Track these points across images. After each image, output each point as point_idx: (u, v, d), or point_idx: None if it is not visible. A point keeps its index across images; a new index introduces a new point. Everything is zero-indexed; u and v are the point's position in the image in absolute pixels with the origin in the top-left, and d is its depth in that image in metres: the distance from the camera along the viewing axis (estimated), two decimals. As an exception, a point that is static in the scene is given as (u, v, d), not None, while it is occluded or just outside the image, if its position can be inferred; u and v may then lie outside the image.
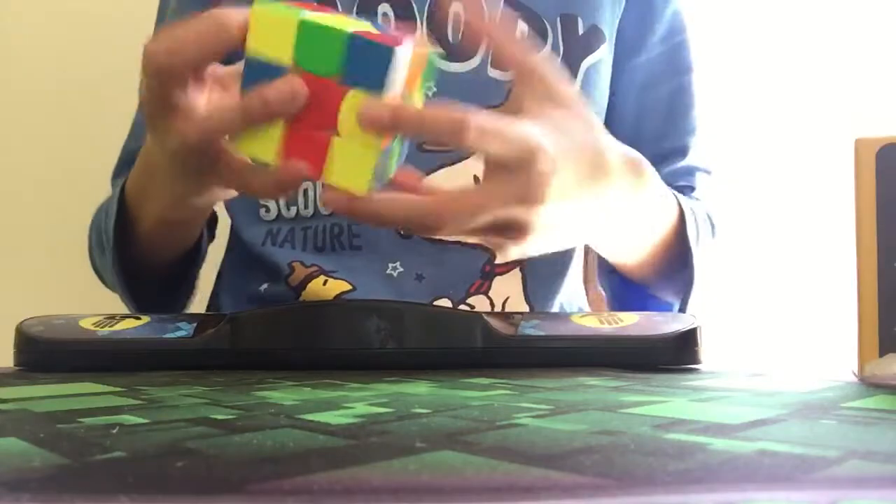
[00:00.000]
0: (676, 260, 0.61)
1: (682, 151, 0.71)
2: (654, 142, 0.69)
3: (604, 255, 0.62)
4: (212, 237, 0.70)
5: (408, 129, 0.40)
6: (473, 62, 0.64)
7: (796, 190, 1.02)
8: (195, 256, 0.66)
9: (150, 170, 0.52)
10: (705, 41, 0.96)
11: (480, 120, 0.40)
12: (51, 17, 0.99)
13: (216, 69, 0.44)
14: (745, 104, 1.03)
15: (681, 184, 0.70)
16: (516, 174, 0.41)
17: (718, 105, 1.01)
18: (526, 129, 0.41)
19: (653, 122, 0.71)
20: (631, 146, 0.49)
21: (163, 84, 0.41)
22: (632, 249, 0.59)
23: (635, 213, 0.52)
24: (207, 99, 0.43)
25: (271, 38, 0.38)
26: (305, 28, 0.37)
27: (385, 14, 0.63)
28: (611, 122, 0.70)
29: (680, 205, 0.60)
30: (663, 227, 0.59)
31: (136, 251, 0.61)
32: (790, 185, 1.02)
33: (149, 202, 0.56)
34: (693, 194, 0.70)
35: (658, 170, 0.69)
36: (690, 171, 0.71)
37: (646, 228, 0.57)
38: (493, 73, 0.64)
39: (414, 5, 0.64)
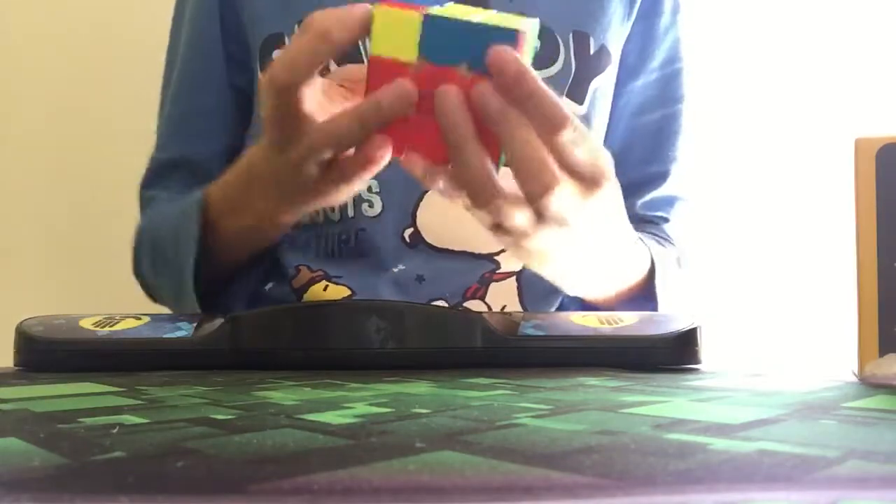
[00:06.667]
0: (641, 306, 0.61)
1: (664, 177, 0.72)
2: (639, 165, 0.71)
3: (566, 288, 0.60)
4: None
5: (523, 91, 0.39)
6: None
7: (796, 190, 1.02)
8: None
9: (252, 182, 0.52)
10: (706, 41, 0.96)
11: (577, 122, 0.41)
12: (58, 17, 0.99)
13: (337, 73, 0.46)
14: (745, 104, 1.03)
15: (659, 213, 0.72)
16: (581, 183, 0.42)
17: (719, 105, 1.01)
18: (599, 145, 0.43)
19: (640, 146, 0.72)
20: (617, 166, 0.50)
21: (285, 100, 0.42)
22: (594, 287, 0.59)
23: (600, 239, 0.52)
24: (333, 104, 0.45)
25: (394, 38, 0.40)
26: (431, 22, 0.39)
27: None
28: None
29: (652, 257, 0.61)
30: (632, 274, 0.60)
31: (211, 262, 0.60)
32: (790, 185, 1.02)
33: (243, 213, 0.55)
34: (666, 225, 0.71)
35: (639, 194, 0.70)
36: (670, 201, 0.73)
37: (611, 268, 0.57)
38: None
39: None
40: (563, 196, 0.42)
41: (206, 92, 0.70)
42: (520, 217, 0.42)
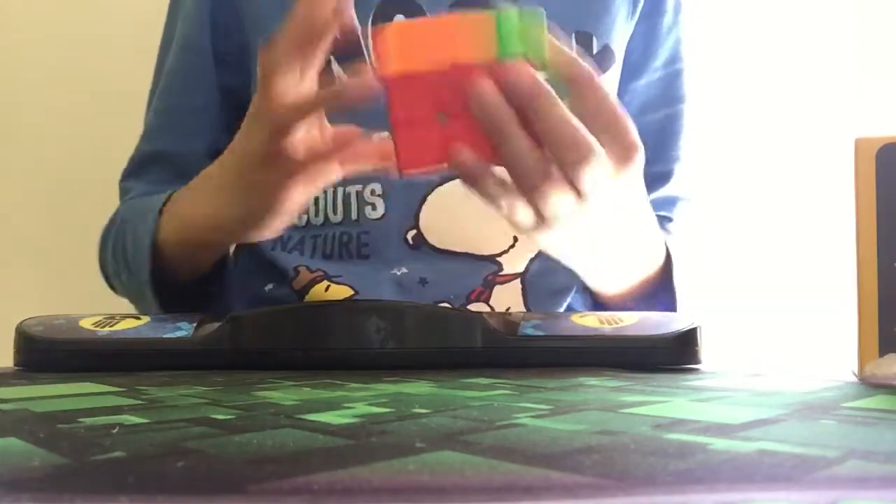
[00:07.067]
0: (657, 299, 0.61)
1: (667, 177, 0.73)
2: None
3: (590, 280, 0.61)
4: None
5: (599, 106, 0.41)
6: None
7: (796, 190, 1.02)
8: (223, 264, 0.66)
9: (220, 182, 0.53)
10: (706, 41, 0.96)
11: (602, 86, 0.43)
12: (53, 17, 0.99)
13: None
14: (745, 104, 1.03)
15: (661, 213, 0.72)
16: (614, 152, 0.43)
17: (719, 104, 1.01)
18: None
19: (643, 146, 0.72)
20: None
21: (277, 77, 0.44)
22: (616, 278, 0.59)
23: (627, 230, 0.52)
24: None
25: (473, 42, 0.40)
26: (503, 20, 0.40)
27: None
28: None
29: (668, 248, 0.61)
30: (650, 264, 0.60)
31: (168, 266, 0.61)
32: (790, 186, 1.02)
33: (205, 214, 0.56)
34: (669, 225, 0.72)
35: None
36: (672, 201, 0.73)
37: (634, 258, 0.57)
38: None
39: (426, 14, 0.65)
40: (598, 169, 0.42)
41: (195, 91, 0.70)
42: (560, 201, 0.43)
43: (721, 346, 0.54)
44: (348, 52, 0.49)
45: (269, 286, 0.66)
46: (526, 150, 0.41)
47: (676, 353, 0.45)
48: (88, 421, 0.26)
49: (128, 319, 0.47)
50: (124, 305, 0.68)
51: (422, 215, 0.64)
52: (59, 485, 0.17)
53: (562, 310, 0.68)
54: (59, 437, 0.23)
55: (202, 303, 0.66)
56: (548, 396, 0.32)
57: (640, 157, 0.44)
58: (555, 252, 0.51)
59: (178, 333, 0.46)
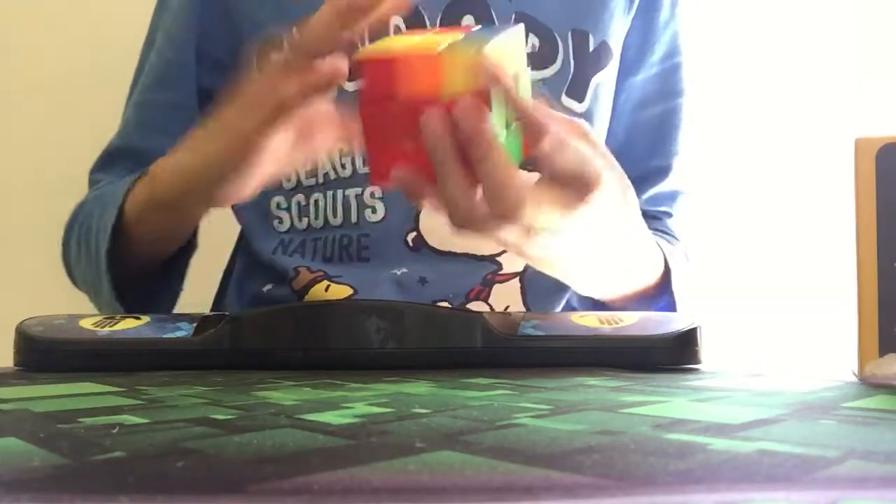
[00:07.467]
0: (655, 304, 0.61)
1: (666, 172, 0.73)
2: (640, 160, 0.71)
3: (575, 288, 0.61)
4: (193, 248, 0.69)
5: (501, 93, 0.40)
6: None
7: (796, 190, 1.02)
8: (181, 262, 0.67)
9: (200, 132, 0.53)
10: (705, 41, 0.96)
11: (558, 131, 0.41)
12: (60, 17, 0.99)
13: None
14: (745, 104, 1.03)
15: (662, 208, 0.72)
16: (570, 191, 0.42)
17: (718, 102, 1.01)
18: (589, 153, 0.42)
19: (642, 141, 0.73)
20: (619, 162, 0.49)
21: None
22: (606, 287, 0.59)
23: (613, 242, 0.52)
24: None
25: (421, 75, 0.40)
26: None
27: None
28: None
29: (665, 257, 0.61)
30: (647, 274, 0.60)
31: (130, 251, 0.61)
32: (790, 186, 1.02)
33: (180, 163, 0.55)
34: (669, 220, 0.72)
35: (642, 189, 0.70)
36: (672, 196, 0.73)
37: (622, 267, 0.57)
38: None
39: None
40: (543, 208, 0.42)
41: (173, 89, 0.70)
42: (507, 232, 0.42)
43: (721, 346, 0.54)
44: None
45: (269, 286, 0.66)
46: (455, 189, 0.40)
47: (676, 353, 0.45)
48: (88, 421, 0.26)
49: (128, 319, 0.47)
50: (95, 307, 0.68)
51: (422, 217, 0.64)
52: (59, 485, 0.17)
53: (560, 307, 0.68)
54: (59, 437, 0.23)
55: (156, 301, 0.67)
56: (548, 396, 0.32)
57: (601, 192, 0.43)
58: (530, 262, 0.51)
59: (178, 333, 0.46)
